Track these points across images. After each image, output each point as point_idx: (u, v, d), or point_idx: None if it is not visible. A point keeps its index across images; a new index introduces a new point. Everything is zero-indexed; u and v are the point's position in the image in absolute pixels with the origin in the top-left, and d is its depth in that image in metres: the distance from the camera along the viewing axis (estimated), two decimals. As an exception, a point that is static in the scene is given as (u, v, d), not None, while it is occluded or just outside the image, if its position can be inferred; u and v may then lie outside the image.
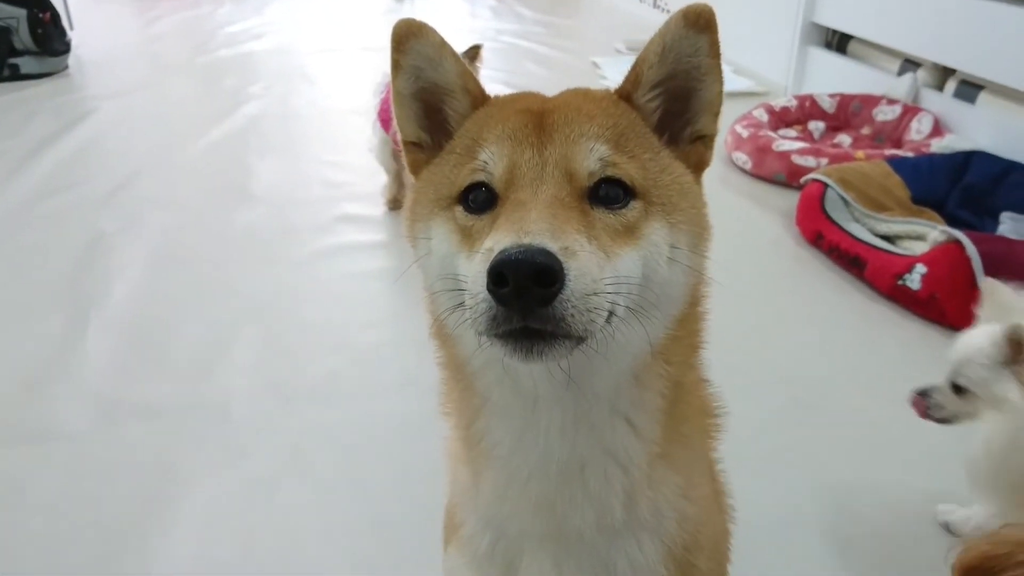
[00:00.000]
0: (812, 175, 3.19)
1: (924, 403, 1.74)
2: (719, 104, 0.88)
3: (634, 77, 0.88)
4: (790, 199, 3.36)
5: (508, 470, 0.87)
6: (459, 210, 0.83)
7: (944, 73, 3.90)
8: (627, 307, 0.76)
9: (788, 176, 3.57)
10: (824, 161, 3.48)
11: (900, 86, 3.99)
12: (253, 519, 1.88)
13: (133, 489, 1.97)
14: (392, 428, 2.14)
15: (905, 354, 2.46)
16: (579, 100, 0.86)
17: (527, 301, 0.67)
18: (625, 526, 0.88)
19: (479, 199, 0.81)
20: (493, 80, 4.81)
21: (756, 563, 1.74)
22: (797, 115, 4.19)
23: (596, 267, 0.71)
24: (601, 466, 0.85)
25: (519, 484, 0.87)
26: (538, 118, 0.82)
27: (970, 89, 3.70)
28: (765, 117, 4.07)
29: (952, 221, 3.06)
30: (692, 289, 0.86)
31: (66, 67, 5.57)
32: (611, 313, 0.73)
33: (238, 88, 5.22)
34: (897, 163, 3.30)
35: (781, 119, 4.15)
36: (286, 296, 2.83)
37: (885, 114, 3.96)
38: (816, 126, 4.16)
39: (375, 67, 4.73)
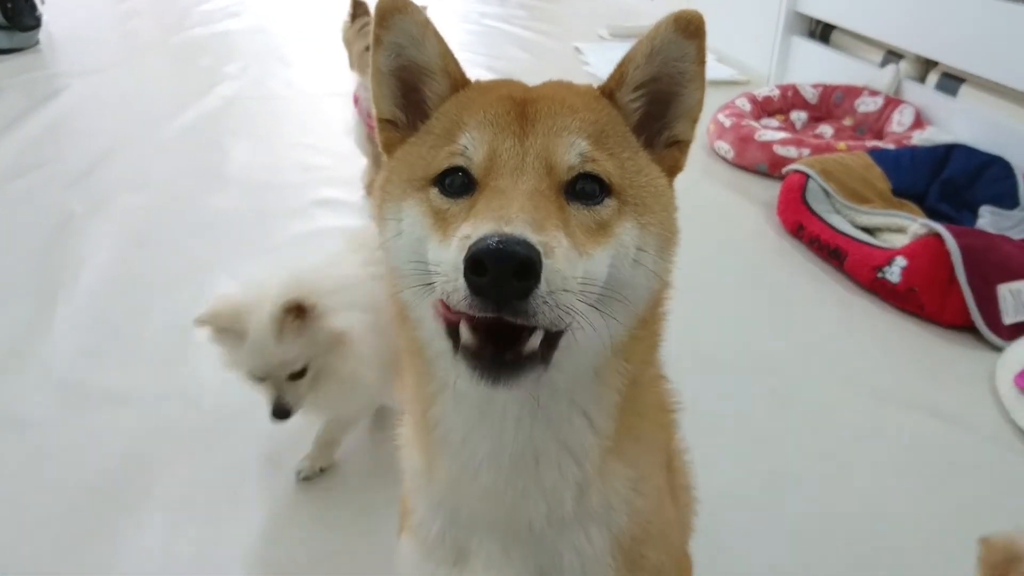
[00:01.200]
0: (794, 166, 3.18)
1: None
2: (699, 111, 0.89)
3: (619, 75, 0.87)
4: (772, 189, 3.35)
5: (461, 458, 0.87)
6: (434, 192, 0.81)
7: (926, 65, 3.90)
8: (590, 305, 0.75)
9: (770, 166, 3.56)
10: (806, 152, 3.47)
11: (882, 77, 3.99)
12: (223, 509, 1.84)
13: (100, 478, 1.92)
14: (365, 419, 2.10)
15: (883, 347, 2.46)
16: (563, 92, 0.85)
17: (504, 293, 0.66)
18: (575, 518, 0.88)
19: (456, 183, 0.80)
20: (474, 64, 4.75)
21: (730, 554, 1.73)
22: (780, 105, 4.18)
23: (569, 264, 0.71)
24: (555, 459, 0.85)
25: (471, 473, 0.87)
26: (521, 107, 0.82)
27: (952, 82, 3.69)
28: (748, 106, 4.05)
29: (932, 214, 3.06)
30: (655, 293, 0.86)
31: (36, 43, 5.43)
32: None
33: (213, 68, 5.12)
34: (878, 155, 3.29)
35: (764, 109, 4.13)
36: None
37: (867, 105, 3.95)
38: (798, 116, 4.14)
39: (354, 49, 4.65)
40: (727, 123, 3.80)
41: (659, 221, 0.83)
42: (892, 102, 3.86)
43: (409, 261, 0.81)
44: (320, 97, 4.57)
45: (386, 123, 0.93)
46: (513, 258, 0.65)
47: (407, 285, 0.82)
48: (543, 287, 0.67)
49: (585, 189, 0.79)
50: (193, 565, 1.71)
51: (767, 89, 4.25)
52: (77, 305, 2.61)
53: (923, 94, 3.82)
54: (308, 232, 3.09)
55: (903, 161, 3.27)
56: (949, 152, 3.28)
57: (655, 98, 0.88)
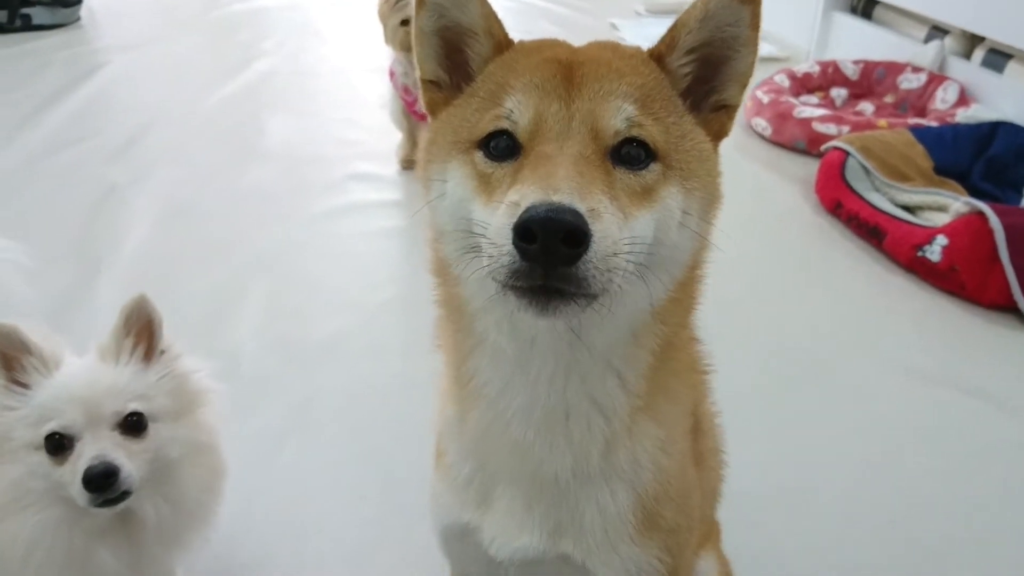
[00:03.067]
0: (833, 143, 3.12)
1: None
2: (749, 76, 0.88)
3: (670, 39, 0.87)
4: (810, 167, 3.30)
5: (494, 411, 0.89)
6: (479, 155, 0.82)
7: (972, 41, 3.80)
8: (636, 267, 0.76)
9: (808, 143, 3.50)
10: (846, 129, 3.40)
11: (926, 54, 3.89)
12: (259, 474, 1.88)
13: (141, 442, 1.97)
14: (398, 387, 2.12)
15: (922, 326, 2.43)
16: (609, 55, 0.85)
17: (552, 259, 0.67)
18: (600, 473, 0.90)
19: (501, 147, 0.81)
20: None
21: (763, 531, 1.73)
22: (819, 81, 4.10)
23: (617, 229, 0.72)
24: (585, 415, 0.87)
25: (502, 425, 0.89)
26: (567, 70, 0.81)
27: (998, 58, 3.59)
28: (787, 83, 3.98)
29: (975, 193, 2.99)
30: (697, 255, 0.87)
31: (78, 18, 5.51)
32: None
33: (250, 43, 5.15)
34: (920, 132, 3.22)
35: (803, 85, 4.06)
36: (296, 254, 2.81)
37: (910, 82, 3.86)
38: (838, 93, 4.06)
39: (389, 24, 4.65)
40: (765, 99, 3.74)
41: (703, 185, 0.84)
42: (936, 79, 3.77)
43: (453, 222, 0.82)
44: (356, 72, 4.58)
45: (430, 84, 0.93)
46: (563, 226, 0.66)
47: (451, 245, 0.83)
48: (592, 253, 0.68)
49: (631, 154, 0.79)
50: (230, 528, 1.75)
51: (807, 65, 4.18)
52: (119, 274, 2.67)
53: (968, 71, 3.72)
54: (344, 205, 3.11)
55: (946, 139, 3.20)
56: (994, 130, 3.20)
57: (706, 62, 0.87)
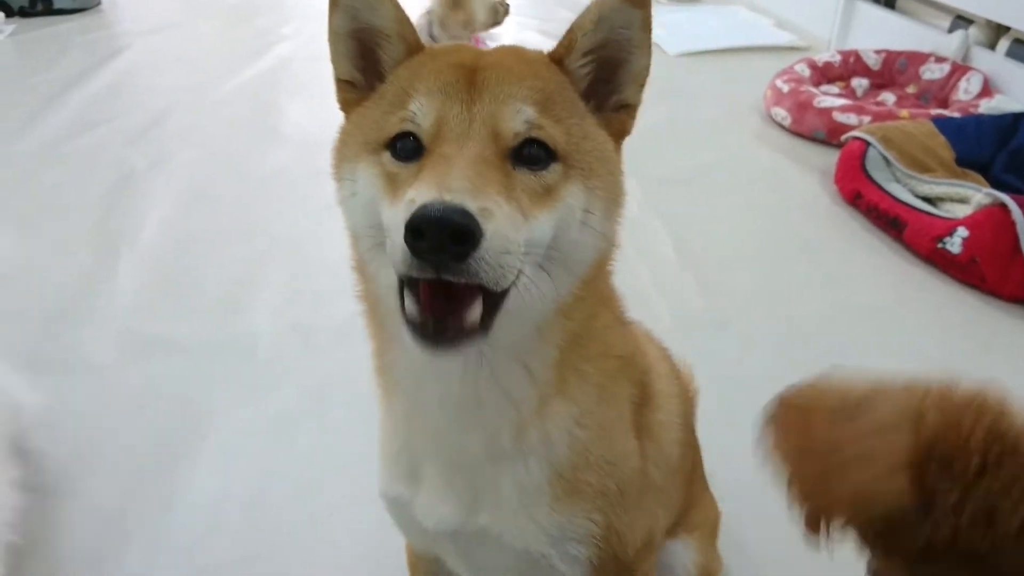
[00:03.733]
0: (853, 133, 3.09)
1: None
2: (645, 76, 0.91)
3: (568, 42, 0.90)
4: (829, 157, 3.27)
5: (411, 401, 0.96)
6: (387, 156, 0.85)
7: (997, 31, 3.75)
8: (537, 265, 0.80)
9: (828, 134, 3.47)
10: (866, 119, 3.37)
11: (950, 43, 3.84)
12: (275, 455, 1.91)
13: (159, 422, 1.99)
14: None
15: (941, 318, 2.41)
16: (512, 60, 0.88)
17: (443, 257, 0.70)
18: (514, 452, 0.94)
19: (407, 148, 0.83)
20: (526, 28, 4.70)
21: (774, 520, 1.72)
22: (840, 71, 4.06)
23: (512, 228, 0.74)
24: (496, 404, 0.91)
25: (419, 412, 0.95)
26: (470, 74, 0.84)
27: (1024, 48, 3.55)
28: (807, 72, 3.94)
29: (997, 185, 2.95)
30: (602, 253, 0.89)
31: (99, 3, 5.54)
32: (519, 271, 0.77)
33: (269, 28, 5.16)
34: (942, 123, 3.18)
35: (823, 75, 4.02)
36: (313, 238, 2.82)
37: (932, 72, 3.82)
38: (859, 83, 4.02)
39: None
40: (785, 89, 3.71)
41: (605, 184, 0.86)
42: (959, 69, 3.72)
43: (364, 221, 0.87)
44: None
45: (344, 84, 0.97)
46: (448, 225, 0.68)
47: (363, 243, 0.88)
48: (482, 251, 0.70)
49: (532, 155, 0.81)
50: (247, 507, 1.77)
51: (827, 55, 4.14)
52: (138, 257, 2.69)
53: (993, 61, 3.67)
54: (360, 191, 3.12)
55: (968, 130, 3.16)
56: (1018, 121, 3.15)
57: (603, 64, 0.90)
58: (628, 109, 0.93)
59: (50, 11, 5.25)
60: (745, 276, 2.63)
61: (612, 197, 0.88)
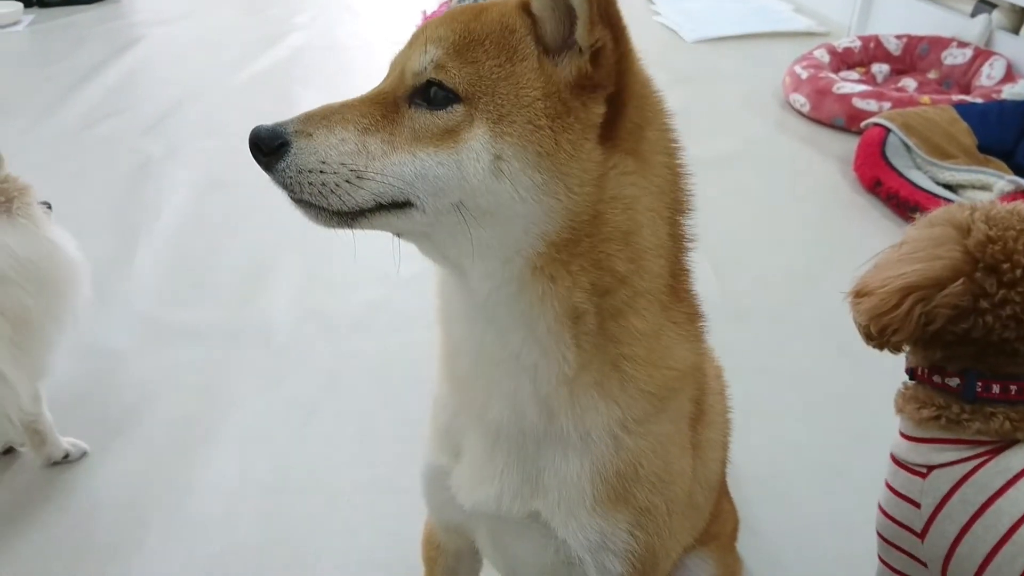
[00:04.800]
0: (873, 119, 3.06)
1: None
2: (584, 12, 0.80)
3: None
4: (849, 144, 3.23)
5: (450, 341, 0.98)
6: None
7: (1021, 15, 3.69)
8: (455, 207, 0.81)
9: (848, 120, 3.43)
10: (887, 105, 3.33)
11: (972, 28, 3.78)
12: (291, 442, 1.91)
13: (178, 408, 2.01)
14: (429, 358, 2.13)
15: (962, 307, 2.37)
16: (461, 8, 0.88)
17: (259, 160, 0.83)
18: (548, 436, 0.92)
19: None
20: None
21: (796, 508, 1.72)
22: (860, 57, 4.01)
23: (336, 151, 0.81)
24: (509, 366, 0.90)
25: (453, 357, 0.97)
26: (425, 24, 0.88)
27: (1049, 32, 3.49)
28: (826, 58, 3.89)
29: (1020, 171, 2.91)
30: (560, 213, 0.81)
31: (116, -7, 5.56)
32: (408, 202, 0.82)
33: (283, 18, 5.16)
34: (964, 109, 3.14)
35: (843, 60, 3.97)
36: (329, 226, 2.82)
37: (954, 57, 3.76)
38: (880, 69, 3.97)
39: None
40: (804, 75, 3.66)
41: (519, 132, 0.79)
42: (982, 54, 3.66)
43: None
44: (387, 46, 4.54)
45: None
46: (252, 136, 0.82)
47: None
48: (284, 163, 0.82)
49: (436, 95, 0.82)
50: (265, 491, 1.78)
51: (847, 40, 4.09)
52: (155, 245, 2.71)
53: (1016, 46, 3.62)
54: (375, 179, 3.12)
55: (990, 116, 3.12)
56: (1042, 107, 3.11)
57: (563, 4, 0.82)
58: (584, 52, 0.81)
59: (68, 1, 5.27)
60: (763, 264, 2.61)
61: (534, 147, 0.79)
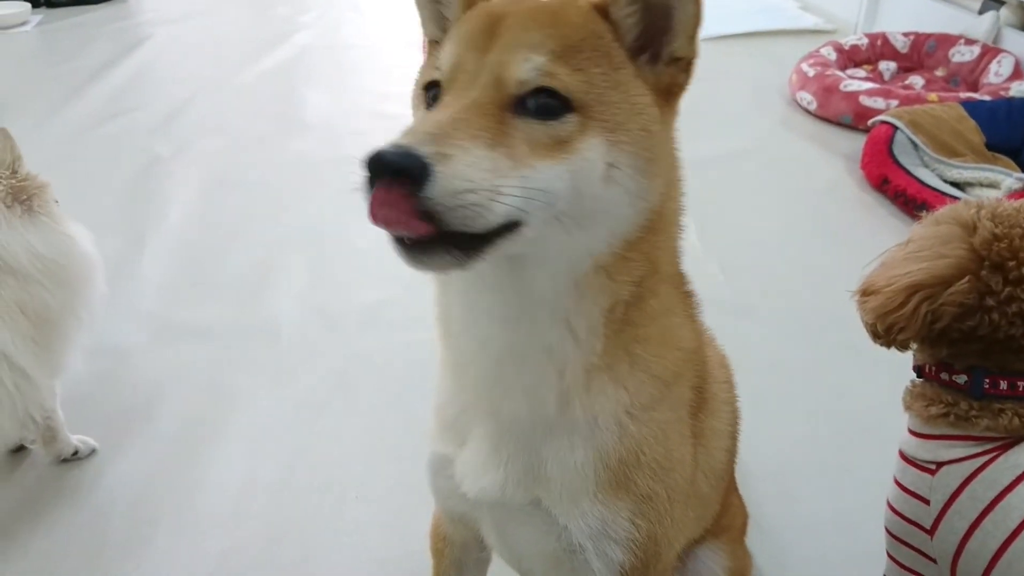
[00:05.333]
0: (881, 117, 3.05)
1: None
2: (694, 26, 0.85)
3: None
4: (856, 142, 3.22)
5: (459, 347, 0.94)
6: (423, 108, 0.86)
7: (1030, 12, 3.67)
8: (555, 217, 0.77)
9: (855, 118, 3.42)
10: (894, 103, 3.32)
11: (980, 25, 3.77)
12: (299, 440, 1.92)
13: (186, 406, 2.02)
14: (435, 357, 2.14)
15: (969, 305, 2.37)
16: (540, 7, 0.84)
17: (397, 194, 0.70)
18: (558, 425, 0.92)
19: (432, 97, 0.84)
20: None
21: (802, 504, 1.72)
22: (867, 54, 4.00)
23: (486, 170, 0.72)
24: (537, 362, 0.89)
25: (464, 364, 0.94)
26: (495, 21, 0.82)
27: (1058, 29, 3.47)
28: (833, 56, 3.88)
29: (1029, 169, 2.90)
30: (645, 214, 0.84)
31: (123, -8, 5.58)
32: (519, 222, 0.74)
33: (289, 17, 5.18)
34: (972, 106, 3.12)
35: (850, 58, 3.96)
36: (336, 224, 2.83)
37: (962, 55, 3.75)
38: (887, 66, 3.96)
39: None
40: (810, 73, 3.66)
41: (633, 140, 0.81)
42: (990, 51, 3.65)
43: None
44: (393, 45, 4.58)
45: (433, 44, 0.97)
46: (383, 164, 0.68)
47: None
48: (430, 190, 0.68)
49: (543, 104, 0.78)
50: (273, 488, 1.79)
51: (854, 38, 4.07)
52: (163, 243, 2.72)
53: (1025, 43, 3.60)
54: (382, 178, 3.12)
55: (999, 113, 3.10)
56: (1051, 104, 3.09)
57: (649, 11, 0.84)
58: (680, 63, 0.87)
59: (76, 1, 5.30)
60: (770, 262, 2.61)
61: (646, 155, 0.82)
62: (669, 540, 1.02)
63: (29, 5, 5.12)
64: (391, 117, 3.65)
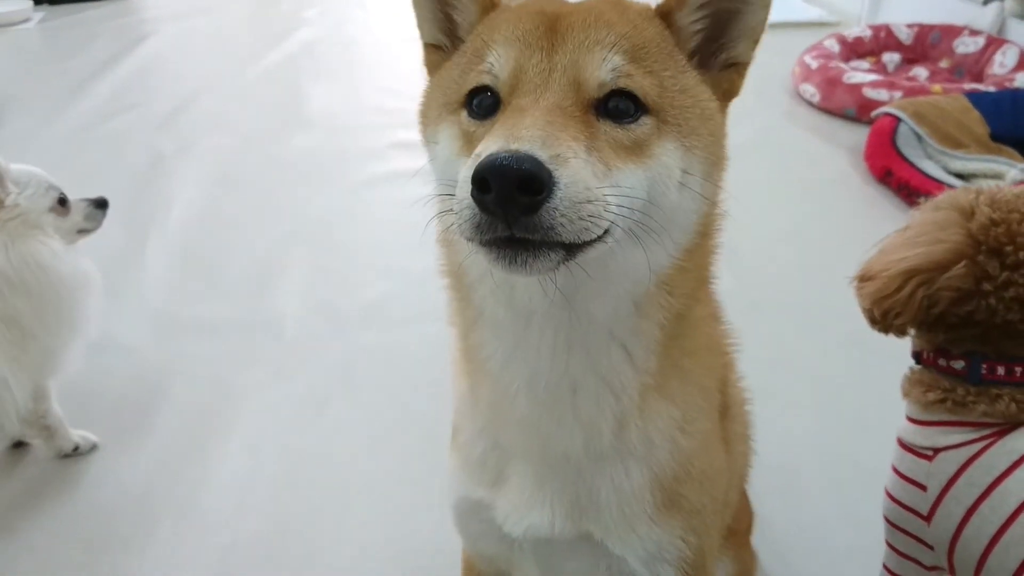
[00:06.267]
0: (884, 109, 3.04)
1: None
2: (761, 31, 0.84)
3: None
4: (859, 134, 3.21)
5: (500, 385, 0.87)
6: (464, 115, 0.80)
7: (1035, 2, 3.65)
8: (629, 228, 0.73)
9: (858, 110, 3.41)
10: (898, 94, 3.30)
11: (984, 16, 3.75)
12: (302, 435, 1.92)
13: (192, 401, 2.02)
14: (438, 351, 2.13)
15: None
16: (603, 6, 0.81)
17: (511, 209, 0.64)
18: (613, 452, 0.87)
19: (484, 104, 0.78)
20: None
21: (807, 499, 1.71)
22: (871, 46, 3.98)
23: (591, 175, 0.68)
24: (593, 390, 0.84)
25: (509, 400, 0.87)
26: (552, 21, 0.77)
27: (1063, 19, 3.45)
28: (836, 48, 3.87)
29: (1033, 160, 2.89)
30: (703, 219, 0.82)
31: (126, -11, 5.59)
32: (607, 231, 0.70)
33: (293, 12, 5.18)
34: (976, 97, 3.11)
35: (853, 50, 3.94)
36: (339, 220, 2.83)
37: (966, 46, 3.73)
38: (891, 58, 3.94)
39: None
40: (814, 65, 3.64)
41: (705, 144, 0.79)
42: (994, 42, 3.63)
43: (443, 184, 0.80)
44: (396, 41, 4.57)
45: (430, 47, 0.92)
46: (513, 173, 0.62)
47: (443, 208, 0.80)
48: (557, 200, 0.64)
49: (619, 107, 0.74)
50: (276, 482, 1.79)
51: (858, 30, 4.06)
52: (167, 240, 2.73)
53: (1030, 33, 3.58)
54: (385, 173, 3.13)
55: (1003, 104, 3.09)
56: (1055, 95, 3.08)
57: (717, 18, 0.83)
58: (738, 68, 0.85)
59: (79, -2, 5.32)
60: (775, 255, 2.60)
61: (713, 159, 0.80)
62: (712, 551, 1.00)
63: (31, 2, 5.14)
64: (392, 112, 3.66)
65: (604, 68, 0.74)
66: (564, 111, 0.71)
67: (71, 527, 1.68)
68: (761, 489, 1.59)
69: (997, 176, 2.72)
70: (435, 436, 1.85)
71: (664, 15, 0.82)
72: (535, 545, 0.95)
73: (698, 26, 0.83)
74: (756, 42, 0.84)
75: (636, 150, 0.74)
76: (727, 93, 0.85)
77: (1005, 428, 1.05)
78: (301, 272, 2.55)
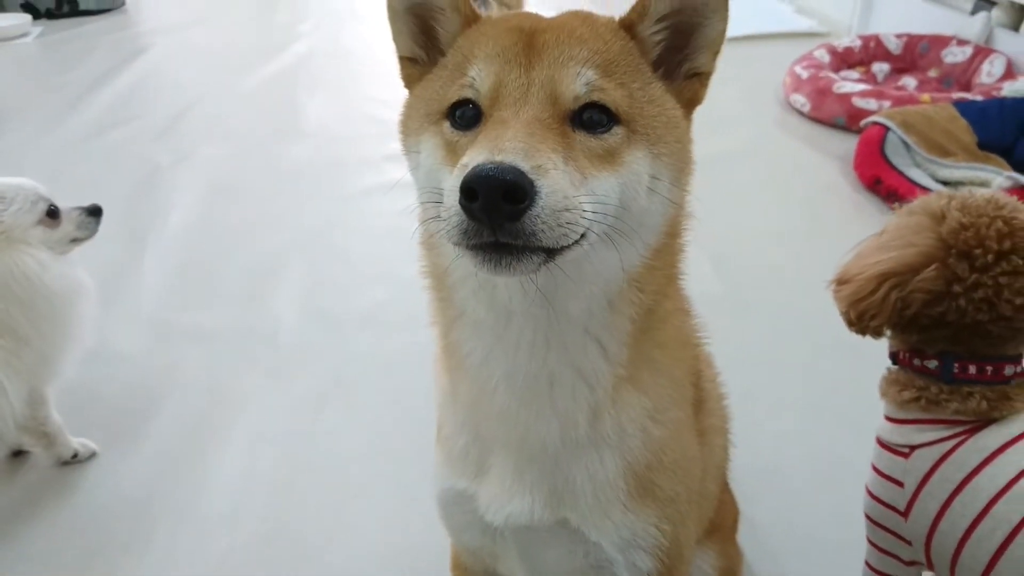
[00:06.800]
0: (873, 118, 3.08)
1: None
2: (721, 43, 0.89)
3: (641, 8, 0.87)
4: (848, 143, 3.25)
5: (479, 380, 0.92)
6: (447, 125, 0.84)
7: (1020, 12, 3.70)
8: (604, 231, 0.78)
9: (848, 119, 3.45)
10: (887, 104, 3.34)
11: (972, 26, 3.80)
12: (299, 440, 1.94)
13: (189, 407, 2.04)
14: (431, 357, 2.16)
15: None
16: (575, 23, 0.86)
17: (496, 216, 0.69)
18: (588, 441, 0.92)
19: (466, 116, 0.83)
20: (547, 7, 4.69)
21: (798, 498, 1.74)
22: (861, 56, 4.03)
23: (569, 184, 0.73)
24: (569, 383, 0.89)
25: (488, 394, 0.92)
26: (529, 38, 0.82)
27: (1048, 29, 3.50)
28: (827, 58, 3.92)
29: (1020, 168, 2.92)
30: (671, 221, 0.88)
31: (123, 3, 5.63)
32: (583, 235, 0.75)
33: (289, 25, 5.22)
34: (964, 106, 3.15)
35: (843, 60, 3.99)
36: (333, 229, 2.86)
37: (955, 55, 3.78)
38: (880, 68, 3.99)
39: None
40: (804, 75, 3.69)
41: (672, 151, 0.84)
42: (982, 52, 3.68)
43: (427, 192, 0.85)
44: (391, 54, 4.58)
45: (406, 60, 0.97)
46: (500, 183, 0.67)
47: (427, 214, 0.86)
48: (539, 208, 0.69)
49: (592, 118, 0.79)
50: (273, 488, 1.81)
51: (848, 40, 4.11)
52: (164, 249, 2.75)
53: (1017, 43, 3.63)
54: (380, 183, 3.15)
55: (990, 113, 3.13)
56: (1041, 103, 3.12)
57: (677, 30, 0.88)
58: (700, 77, 0.90)
59: (76, 12, 5.35)
60: (764, 262, 2.63)
61: (680, 164, 0.85)
62: (688, 540, 1.03)
63: (30, 17, 5.17)
64: (388, 123, 3.67)
65: (578, 82, 0.79)
66: (543, 123, 0.76)
67: (70, 533, 1.70)
68: (749, 488, 1.62)
69: (984, 184, 2.75)
70: (430, 440, 1.87)
71: (628, 27, 0.87)
72: (516, 534, 0.99)
73: (659, 37, 0.88)
74: (716, 53, 0.90)
75: (609, 158, 0.79)
76: (691, 102, 0.91)
77: (977, 425, 1.09)
78: (297, 279, 2.57)
